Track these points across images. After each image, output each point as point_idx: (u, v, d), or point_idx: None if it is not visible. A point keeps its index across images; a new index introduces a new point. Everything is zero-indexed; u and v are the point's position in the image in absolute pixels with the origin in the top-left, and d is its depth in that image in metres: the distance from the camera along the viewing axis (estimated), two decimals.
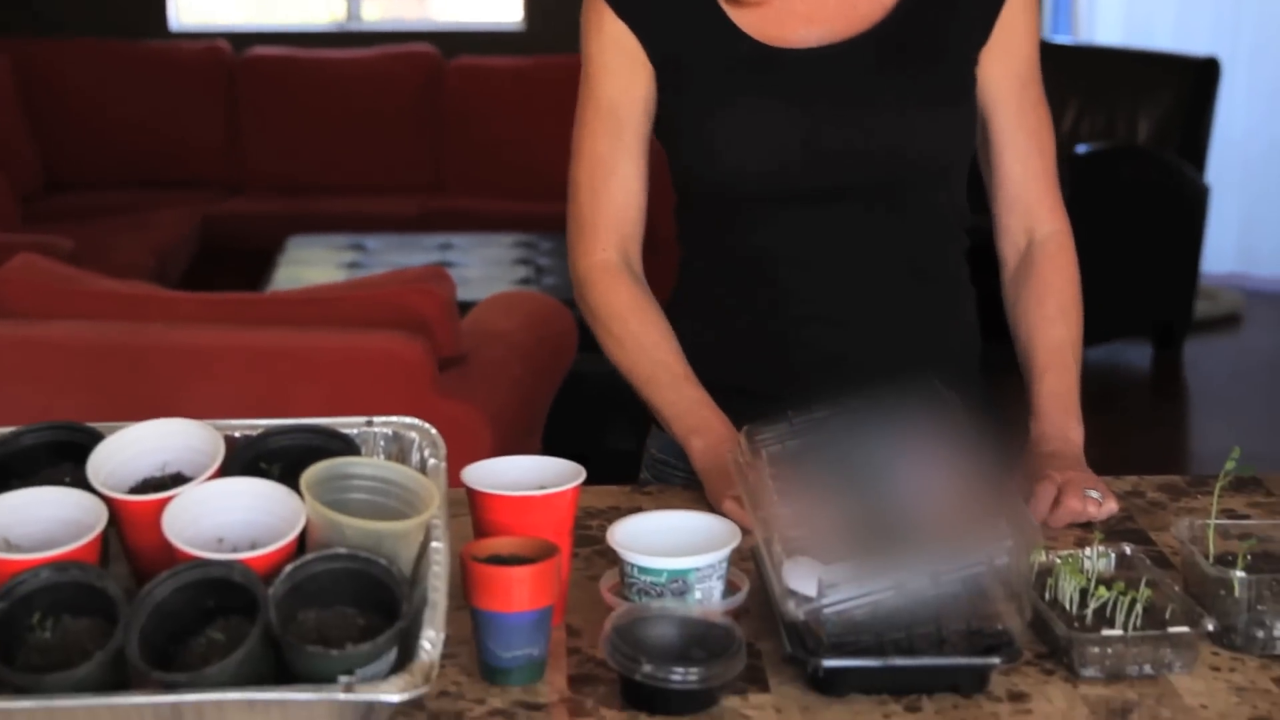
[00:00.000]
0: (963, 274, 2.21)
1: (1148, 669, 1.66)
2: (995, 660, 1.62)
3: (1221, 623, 1.71)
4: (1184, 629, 1.66)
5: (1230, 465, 1.82)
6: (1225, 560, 1.76)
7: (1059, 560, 1.76)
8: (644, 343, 2.11)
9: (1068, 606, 1.72)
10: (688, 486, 2.15)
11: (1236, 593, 1.71)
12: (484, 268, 5.81)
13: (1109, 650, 1.66)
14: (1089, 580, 1.73)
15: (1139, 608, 1.68)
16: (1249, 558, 1.76)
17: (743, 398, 2.08)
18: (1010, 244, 2.20)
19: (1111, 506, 1.99)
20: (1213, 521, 1.81)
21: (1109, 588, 1.70)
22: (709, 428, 2.04)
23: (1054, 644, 1.69)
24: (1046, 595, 1.74)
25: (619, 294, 2.13)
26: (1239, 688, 1.65)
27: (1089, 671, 1.66)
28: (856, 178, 2.07)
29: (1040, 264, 2.17)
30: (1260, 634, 1.71)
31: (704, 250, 2.19)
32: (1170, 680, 1.66)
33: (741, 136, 2.06)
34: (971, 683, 1.62)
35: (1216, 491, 1.86)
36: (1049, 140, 2.19)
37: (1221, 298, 7.18)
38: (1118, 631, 1.66)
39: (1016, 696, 1.62)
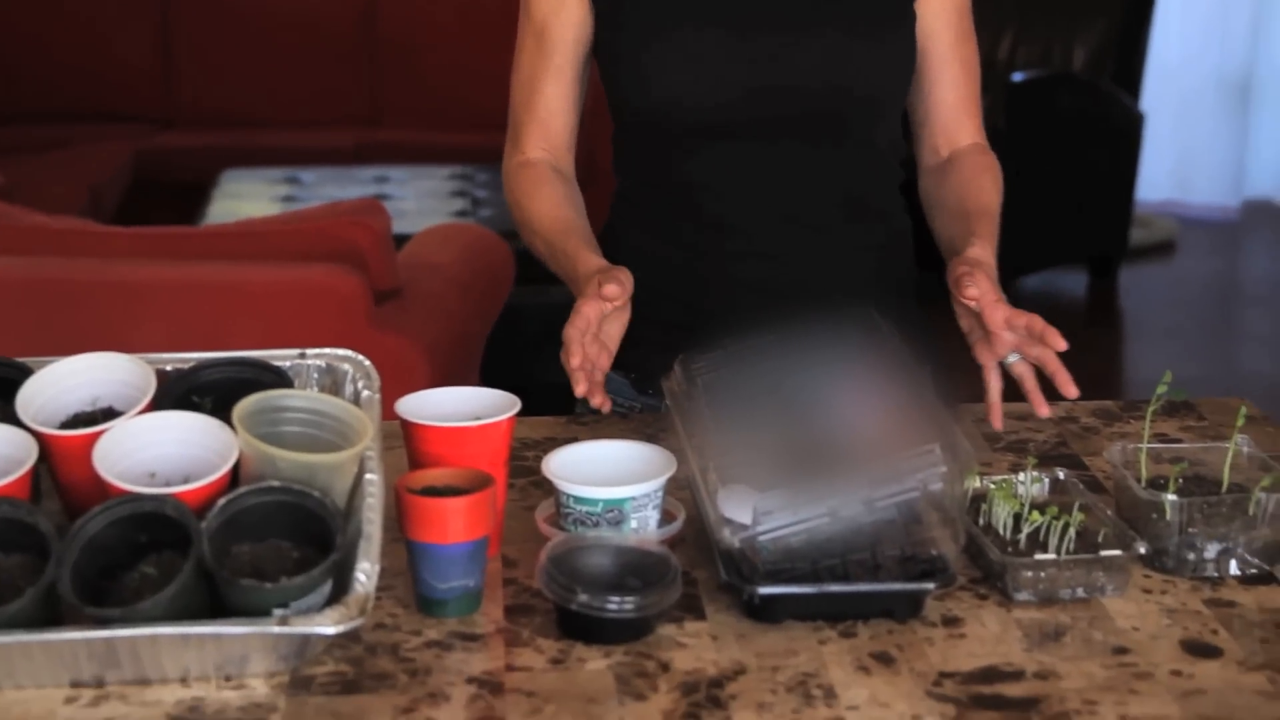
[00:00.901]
0: (898, 206, 2.20)
1: (1080, 592, 1.67)
2: (929, 585, 1.62)
3: (1153, 546, 1.72)
4: (1116, 552, 1.67)
5: (1162, 389, 1.84)
6: (1157, 484, 1.78)
7: (993, 485, 1.77)
8: (544, 217, 2.11)
9: (1001, 531, 1.73)
10: (625, 417, 2.15)
11: (1168, 516, 1.72)
12: (420, 200, 5.78)
13: (1042, 574, 1.67)
14: (1022, 505, 1.74)
15: (1072, 532, 1.69)
16: (1180, 481, 1.78)
17: (679, 331, 2.07)
18: (930, 152, 2.20)
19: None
20: (1145, 446, 1.82)
21: (1042, 512, 1.71)
22: (587, 263, 2.00)
23: (988, 569, 1.70)
24: (980, 520, 1.75)
25: (530, 180, 2.14)
26: (1170, 610, 1.66)
27: (1022, 595, 1.67)
28: (795, 111, 2.06)
29: (969, 158, 2.16)
30: (1191, 556, 1.73)
31: (640, 180, 2.18)
32: (1102, 603, 1.67)
33: (679, 67, 2.05)
34: (906, 608, 1.63)
35: (1148, 416, 1.87)
36: (978, 71, 2.19)
37: (1156, 225, 7.21)
38: (1051, 555, 1.67)
39: (951, 621, 1.63)
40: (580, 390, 1.84)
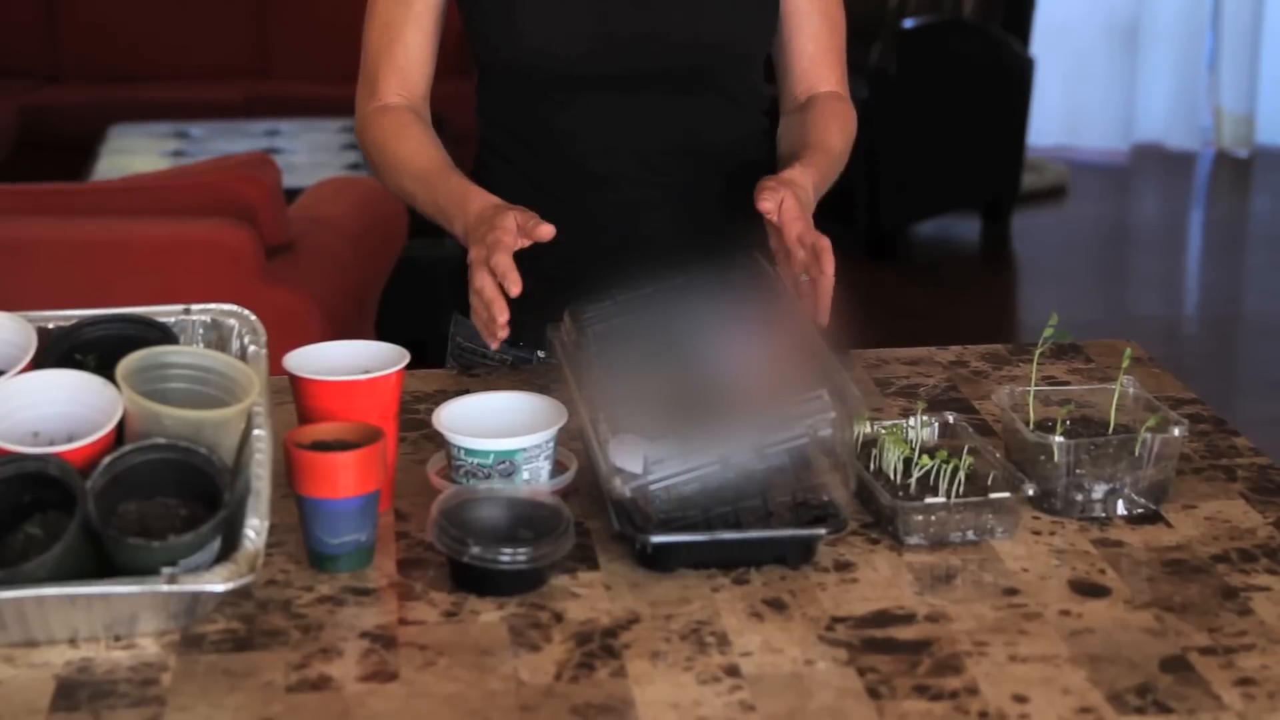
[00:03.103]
0: (762, 155, 2.20)
1: (971, 535, 1.69)
2: (821, 531, 1.63)
3: (1041, 488, 1.74)
4: (1005, 495, 1.69)
5: (1048, 332, 1.85)
6: (1045, 426, 1.79)
7: (883, 430, 1.78)
8: (417, 156, 2.09)
9: (892, 476, 1.74)
10: (516, 368, 2.14)
11: (1055, 458, 1.73)
12: (312, 154, 5.73)
13: (932, 518, 1.68)
14: (912, 449, 1.75)
15: (961, 475, 1.70)
16: (1067, 423, 1.79)
17: (547, 281, 2.03)
18: (789, 100, 2.20)
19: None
20: (1032, 389, 1.84)
21: (932, 456, 1.73)
22: (484, 197, 2.00)
23: (879, 513, 1.71)
24: (871, 466, 1.76)
25: (389, 123, 2.12)
26: (1059, 550, 1.68)
27: (913, 539, 1.68)
28: (659, 62, 2.06)
29: (822, 103, 2.16)
30: (1079, 497, 1.74)
31: (505, 128, 2.16)
32: (992, 545, 1.68)
33: (545, 18, 2.04)
34: (798, 554, 1.63)
35: (1035, 359, 1.89)
36: (841, 23, 2.19)
37: (1047, 170, 7.27)
38: (940, 499, 1.68)
39: (843, 566, 1.64)
40: (504, 319, 1.82)
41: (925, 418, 1.82)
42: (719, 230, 2.11)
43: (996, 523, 1.69)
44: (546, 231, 1.86)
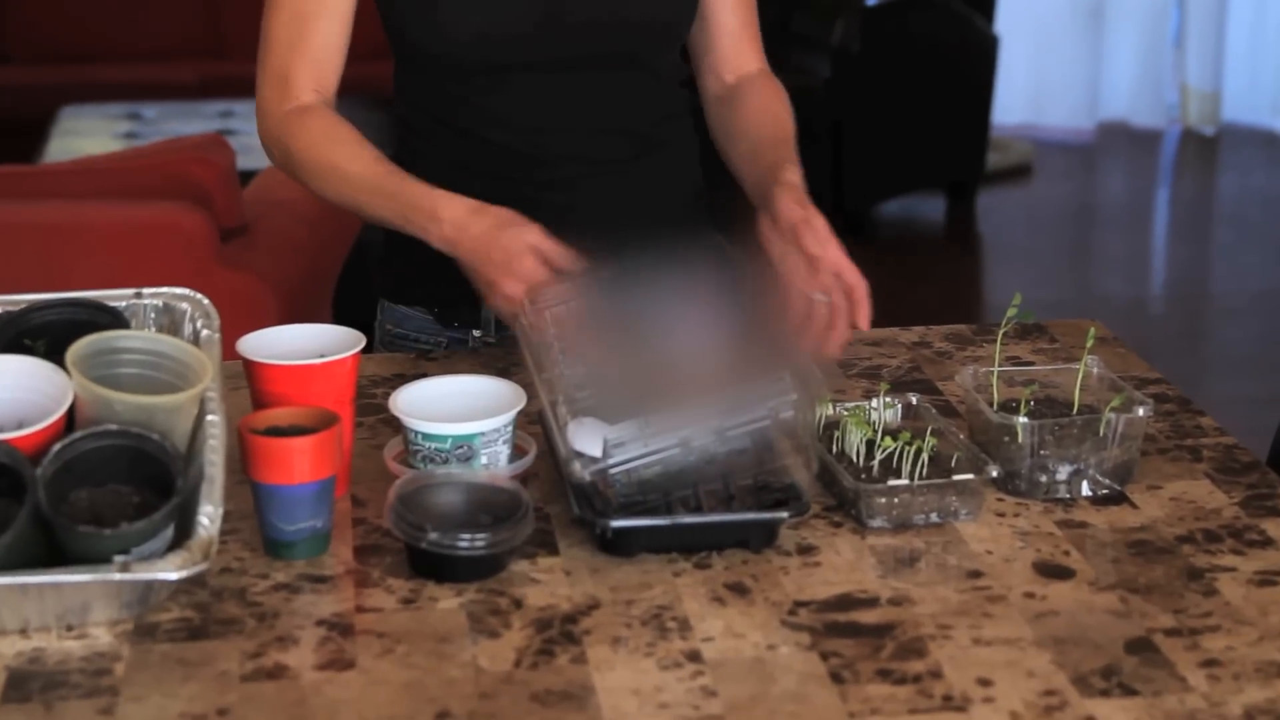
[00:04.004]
0: (685, 130, 2.19)
1: (934, 517, 1.69)
2: (783, 514, 1.63)
3: (1005, 469, 1.74)
4: (969, 476, 1.69)
5: (1012, 312, 1.85)
6: (1009, 407, 1.79)
7: (845, 412, 1.78)
8: (359, 159, 2.01)
9: (854, 459, 1.74)
10: (475, 351, 2.14)
11: (1020, 439, 1.74)
12: None
13: (895, 500, 1.68)
14: (875, 431, 1.75)
15: (925, 457, 1.71)
16: (1031, 404, 1.80)
17: None
18: (715, 80, 2.19)
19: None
20: (996, 369, 1.84)
21: (895, 438, 1.73)
22: (454, 199, 1.94)
23: (841, 496, 1.72)
24: (834, 448, 1.76)
25: (314, 126, 2.03)
26: (1023, 532, 1.68)
27: (877, 522, 1.68)
28: (586, 47, 2.05)
29: (758, 85, 2.15)
30: (1043, 479, 1.75)
31: (431, 115, 2.12)
32: (956, 527, 1.69)
33: (470, 6, 2.01)
34: (760, 538, 1.64)
35: (999, 339, 1.89)
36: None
37: (1012, 149, 7.29)
38: (904, 481, 1.68)
39: (805, 549, 1.64)
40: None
41: (888, 399, 1.82)
42: (655, 204, 2.11)
43: (960, 504, 1.70)
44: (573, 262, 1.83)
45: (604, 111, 2.09)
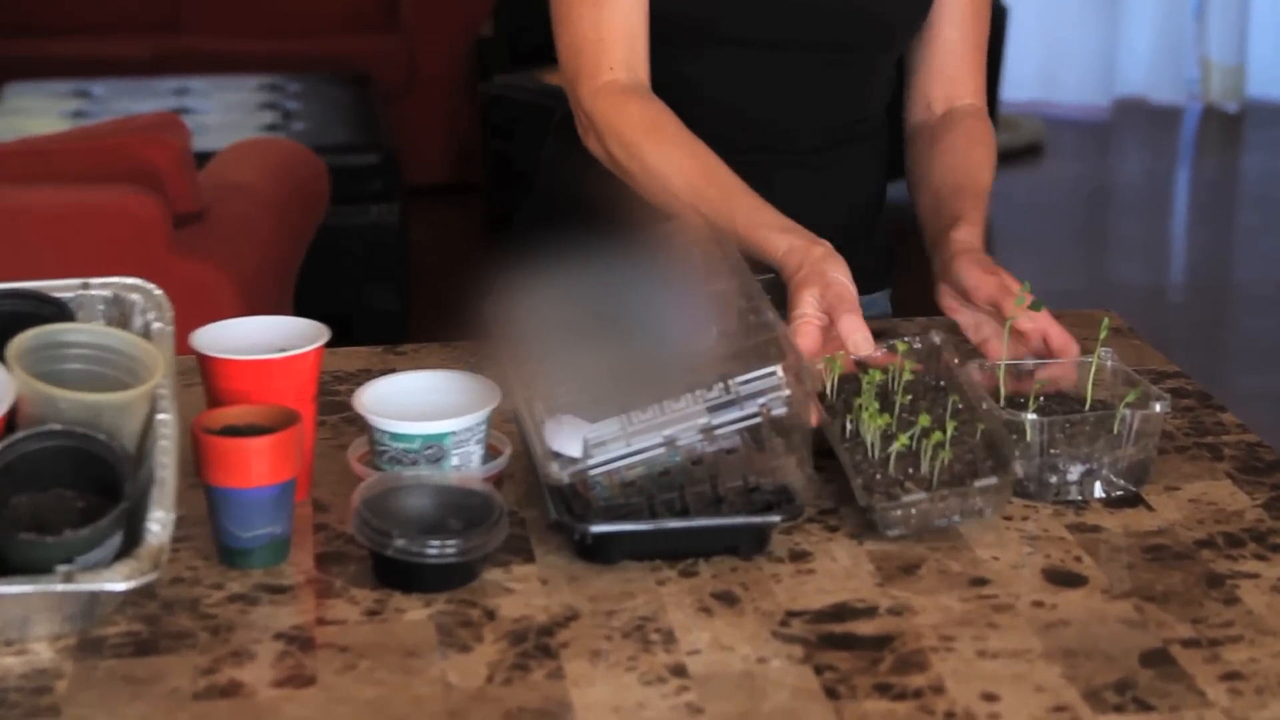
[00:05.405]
0: (882, 140, 2.24)
1: (956, 519, 1.68)
2: (775, 518, 1.63)
3: None
4: (991, 480, 1.66)
5: (1020, 301, 1.85)
6: (1016, 403, 1.79)
7: (863, 377, 1.77)
8: (667, 167, 1.99)
9: (869, 449, 1.72)
10: (446, 345, 2.14)
11: (1028, 437, 1.73)
12: (225, 114, 5.71)
13: (914, 511, 1.66)
14: (892, 419, 1.73)
15: (945, 455, 1.68)
16: (1041, 399, 1.79)
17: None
18: (923, 106, 2.21)
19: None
20: (1003, 362, 1.84)
21: (910, 431, 1.70)
22: (791, 227, 1.92)
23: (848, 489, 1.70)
24: (846, 429, 1.75)
25: (629, 115, 2.02)
26: (1031, 537, 1.68)
27: (894, 532, 1.66)
28: (809, 32, 2.07)
29: (965, 124, 2.16)
30: (1053, 479, 1.75)
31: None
32: (960, 532, 1.69)
33: None
34: (750, 543, 1.63)
35: (1006, 330, 1.89)
36: (987, 15, 2.19)
37: (1023, 127, 7.30)
38: (921, 496, 1.66)
39: (799, 556, 1.64)
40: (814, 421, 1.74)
41: (911, 340, 1.84)
42: (832, 205, 2.13)
43: (984, 504, 1.68)
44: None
45: (801, 101, 2.11)
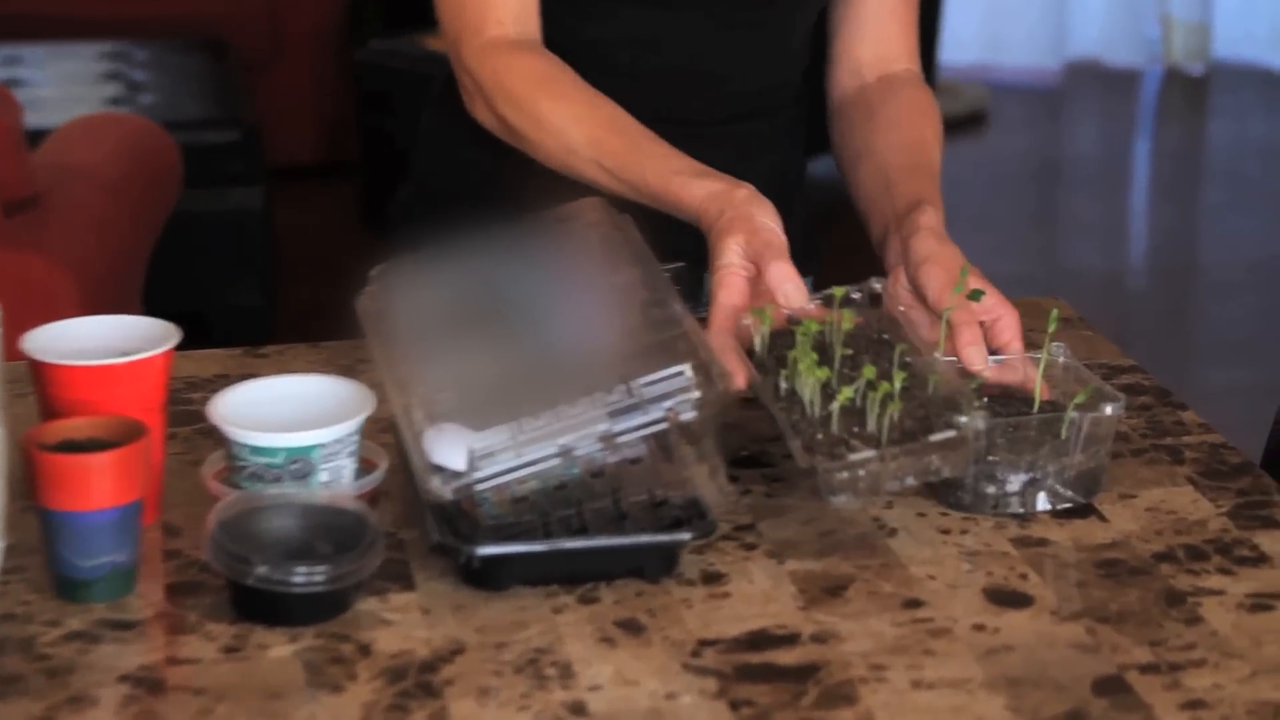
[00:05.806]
0: (800, 109, 2.27)
1: (910, 480, 1.69)
2: (685, 536, 1.64)
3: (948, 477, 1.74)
4: (950, 434, 1.68)
5: (958, 288, 1.86)
6: (954, 403, 1.80)
7: (796, 329, 1.78)
8: (564, 121, 2.00)
9: (808, 406, 1.73)
10: (313, 346, 2.13)
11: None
12: (61, 86, 5.67)
13: (862, 473, 1.67)
14: (831, 375, 1.74)
15: (894, 412, 1.69)
16: (984, 399, 1.79)
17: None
18: (850, 72, 2.22)
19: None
20: (939, 357, 1.85)
21: (853, 383, 1.71)
22: (708, 171, 1.93)
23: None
24: (780, 385, 1.76)
25: (518, 69, 2.02)
26: (971, 552, 1.70)
27: (840, 499, 1.67)
28: None
29: (905, 93, 2.18)
30: (990, 490, 1.76)
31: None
32: (892, 549, 1.70)
33: None
34: (658, 565, 1.64)
35: (943, 322, 1.90)
36: None
37: (964, 94, 7.34)
38: (870, 454, 1.66)
39: (712, 578, 1.65)
40: (742, 381, 1.76)
41: (850, 289, 1.86)
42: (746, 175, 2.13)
43: (942, 463, 1.69)
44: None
45: (709, 63, 2.12)
